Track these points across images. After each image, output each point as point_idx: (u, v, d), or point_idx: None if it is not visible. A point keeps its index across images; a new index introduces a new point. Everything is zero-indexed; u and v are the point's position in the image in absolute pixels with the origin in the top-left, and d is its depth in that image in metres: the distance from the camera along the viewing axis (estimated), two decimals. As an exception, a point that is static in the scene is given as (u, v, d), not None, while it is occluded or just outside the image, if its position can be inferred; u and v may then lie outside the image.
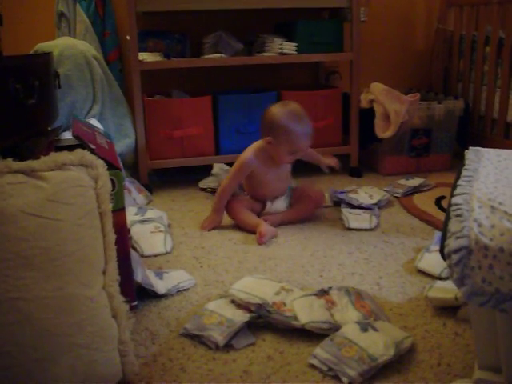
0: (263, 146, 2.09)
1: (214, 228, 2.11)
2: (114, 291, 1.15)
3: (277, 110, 2.05)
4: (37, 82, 1.42)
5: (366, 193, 2.36)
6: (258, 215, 2.13)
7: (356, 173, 2.75)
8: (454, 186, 1.07)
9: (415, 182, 2.54)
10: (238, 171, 2.11)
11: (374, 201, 2.28)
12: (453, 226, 0.91)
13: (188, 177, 2.72)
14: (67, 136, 1.82)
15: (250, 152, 2.11)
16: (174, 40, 2.76)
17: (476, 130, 2.91)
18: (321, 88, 2.88)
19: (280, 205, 2.17)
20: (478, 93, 2.88)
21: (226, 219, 2.15)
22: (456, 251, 0.87)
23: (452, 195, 1.03)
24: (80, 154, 1.17)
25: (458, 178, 1.12)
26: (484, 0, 2.78)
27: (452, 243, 0.88)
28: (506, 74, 2.63)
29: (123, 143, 2.52)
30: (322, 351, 1.25)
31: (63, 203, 1.09)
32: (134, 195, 2.37)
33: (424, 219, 2.14)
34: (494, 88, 2.75)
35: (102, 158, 1.23)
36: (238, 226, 2.11)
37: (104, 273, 1.15)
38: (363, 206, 2.23)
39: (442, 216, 2.11)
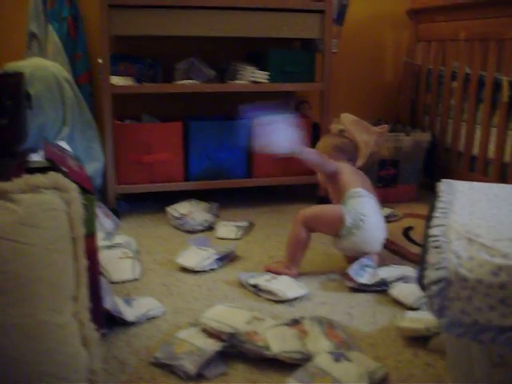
0: None
1: None
2: (84, 318, 1.12)
3: None
4: (9, 101, 1.40)
5: None
6: None
7: (324, 202, 2.76)
8: (430, 218, 1.08)
9: (383, 212, 2.55)
10: None
11: None
12: (431, 257, 0.91)
13: (156, 203, 2.69)
14: (35, 158, 1.78)
15: None
16: (145, 65, 2.75)
17: (442, 162, 2.96)
18: (291, 117, 2.89)
19: None
20: (444, 126, 2.93)
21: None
22: (435, 282, 0.87)
23: (428, 227, 1.03)
24: (53, 177, 1.15)
25: (432, 209, 1.13)
26: (451, 36, 2.85)
27: (431, 274, 0.88)
28: (471, 108, 2.69)
29: (91, 167, 2.48)
30: (294, 381, 1.24)
31: (35, 227, 1.06)
32: (102, 220, 2.33)
33: (392, 249, 2.15)
34: (460, 122, 2.80)
35: (75, 182, 1.21)
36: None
37: (75, 299, 1.12)
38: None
39: (409, 246, 2.13)
